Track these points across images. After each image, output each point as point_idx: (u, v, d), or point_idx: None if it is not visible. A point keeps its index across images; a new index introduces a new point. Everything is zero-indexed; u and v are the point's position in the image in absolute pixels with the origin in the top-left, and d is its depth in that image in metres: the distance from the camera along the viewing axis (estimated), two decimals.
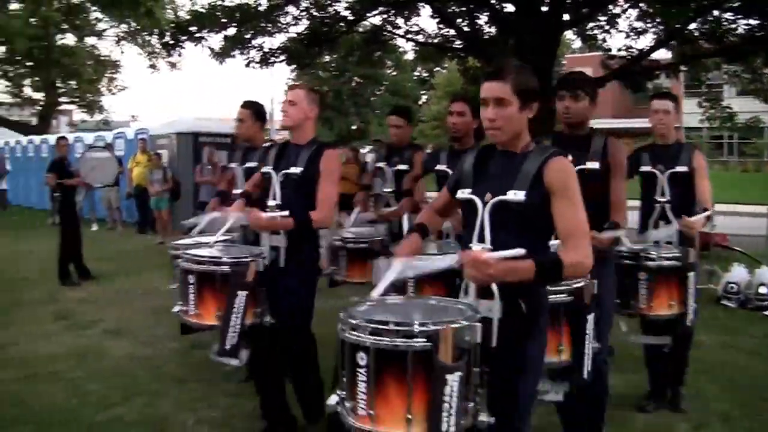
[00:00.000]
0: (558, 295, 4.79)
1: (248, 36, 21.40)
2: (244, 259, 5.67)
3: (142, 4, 19.58)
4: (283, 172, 6.05)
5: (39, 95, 46.50)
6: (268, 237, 5.81)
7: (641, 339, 7.04)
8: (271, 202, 6.03)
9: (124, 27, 44.11)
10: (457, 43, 21.62)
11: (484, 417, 3.66)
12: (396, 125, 8.21)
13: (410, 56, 38.20)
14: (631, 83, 21.59)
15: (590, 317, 4.89)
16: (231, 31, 21.20)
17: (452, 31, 21.11)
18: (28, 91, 46.92)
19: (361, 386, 3.45)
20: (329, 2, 20.82)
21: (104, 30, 45.41)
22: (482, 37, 20.57)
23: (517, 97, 3.90)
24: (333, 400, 3.66)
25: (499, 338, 3.86)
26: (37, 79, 45.35)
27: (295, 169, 6.00)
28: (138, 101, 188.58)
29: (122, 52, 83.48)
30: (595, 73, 25.00)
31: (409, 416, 3.37)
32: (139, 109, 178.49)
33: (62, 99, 47.94)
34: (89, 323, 10.63)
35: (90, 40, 46.41)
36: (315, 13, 20.99)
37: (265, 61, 22.21)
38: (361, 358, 3.44)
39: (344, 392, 3.55)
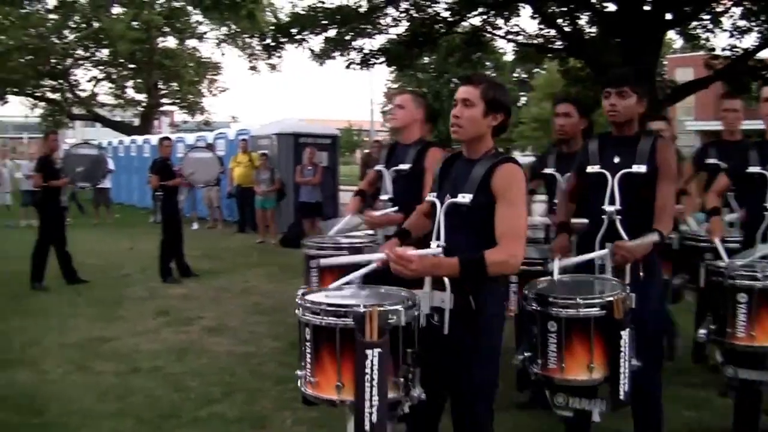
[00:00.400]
0: (589, 309, 4.52)
1: (348, 37, 21.46)
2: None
3: (244, 7, 19.69)
4: (393, 168, 6.46)
5: (141, 96, 47.36)
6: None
7: (741, 373, 5.71)
8: (383, 197, 6.54)
9: (224, 30, 44.58)
10: (558, 44, 21.43)
11: (416, 392, 4.04)
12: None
13: (510, 57, 38.02)
14: (736, 84, 20.74)
15: (625, 333, 4.51)
16: (331, 32, 21.28)
17: (553, 32, 20.94)
18: (130, 92, 47.85)
19: (306, 357, 4.03)
20: (429, 3, 20.77)
21: (205, 33, 46.08)
22: (584, 37, 20.33)
23: (483, 103, 4.30)
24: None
25: (450, 327, 4.20)
26: (139, 80, 46.21)
27: (404, 166, 6.36)
28: (238, 102, 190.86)
29: (223, 54, 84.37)
30: (698, 73, 24.64)
31: (339, 384, 3.92)
32: (239, 110, 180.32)
33: (164, 100, 48.70)
34: (189, 320, 10.70)
35: (191, 43, 47.07)
36: (415, 15, 20.98)
37: (366, 62, 22.28)
38: (307, 333, 4.02)
39: (302, 364, 4.08)
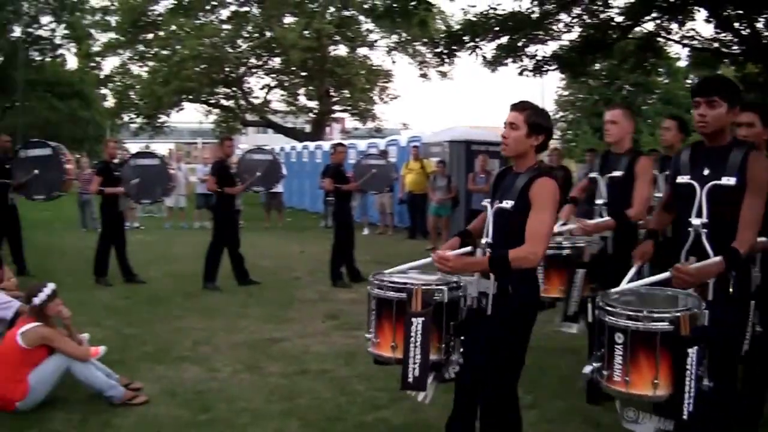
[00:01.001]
0: (655, 323, 4.44)
1: (521, 44, 21.32)
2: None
3: (416, 15, 19.74)
4: (608, 176, 7.25)
5: (313, 104, 47.90)
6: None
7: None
8: (598, 201, 7.34)
9: (395, 37, 44.83)
10: (735, 48, 20.83)
11: (454, 356, 5.23)
12: (666, 128, 8.44)
13: (683, 63, 37.24)
14: None
15: (693, 350, 4.36)
16: (503, 39, 21.17)
17: (729, 36, 20.36)
18: (302, 99, 48.47)
19: (372, 323, 5.39)
20: (602, 8, 20.48)
21: (376, 41, 46.33)
22: (762, 41, 19.71)
23: (527, 126, 5.20)
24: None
25: (493, 308, 5.17)
26: (311, 88, 46.73)
27: (617, 173, 7.16)
28: (409, 109, 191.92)
29: (393, 62, 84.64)
30: None
31: (393, 344, 5.16)
32: (410, 117, 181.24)
33: (335, 107, 49.17)
34: (358, 324, 10.64)
35: (362, 51, 47.45)
36: (587, 20, 20.71)
37: (538, 69, 22.13)
38: (372, 304, 5.39)
39: (369, 330, 5.44)
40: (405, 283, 5.19)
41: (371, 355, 5.42)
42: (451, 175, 20.31)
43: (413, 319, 4.94)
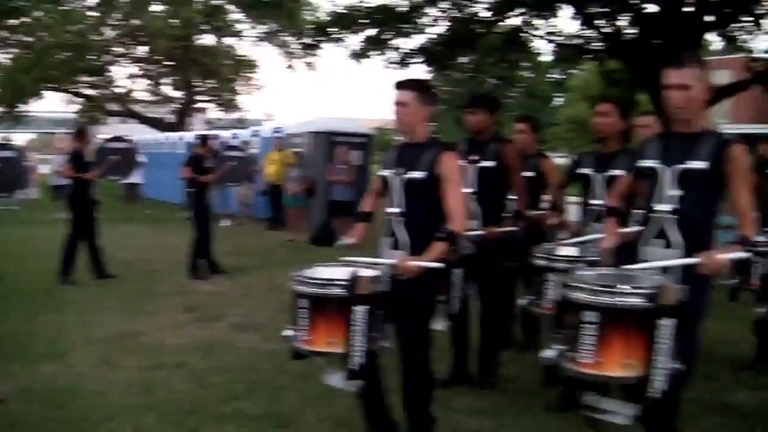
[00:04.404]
0: (629, 298, 4.37)
1: (387, 37, 21.36)
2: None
3: (284, 6, 19.63)
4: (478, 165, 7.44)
5: (177, 93, 47.49)
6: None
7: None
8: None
9: (263, 28, 44.62)
10: (597, 45, 21.20)
11: (385, 343, 5.48)
12: (521, 131, 8.59)
13: (547, 58, 37.88)
14: None
15: (666, 323, 4.29)
16: (370, 31, 21.19)
17: (592, 33, 20.71)
18: (166, 89, 48.01)
19: (301, 320, 5.29)
20: (469, 3, 20.63)
21: (243, 31, 46.05)
22: (623, 38, 20.11)
23: (416, 101, 5.66)
24: None
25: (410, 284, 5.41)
26: (176, 77, 46.28)
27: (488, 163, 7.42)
28: (274, 100, 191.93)
29: (260, 53, 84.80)
30: (735, 76, 24.42)
31: (330, 340, 5.21)
32: (275, 108, 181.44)
33: (199, 97, 48.82)
34: (216, 316, 10.67)
35: (229, 41, 47.09)
36: (454, 14, 20.84)
37: (404, 62, 22.17)
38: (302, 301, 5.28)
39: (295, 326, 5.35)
40: (338, 279, 5.25)
41: (301, 351, 5.34)
42: (305, 166, 20.38)
43: (357, 309, 5.14)
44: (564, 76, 64.50)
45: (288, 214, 20.44)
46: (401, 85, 5.72)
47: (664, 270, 4.79)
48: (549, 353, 4.62)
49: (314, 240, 18.41)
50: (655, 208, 4.95)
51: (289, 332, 5.38)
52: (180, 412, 6.85)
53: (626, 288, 4.39)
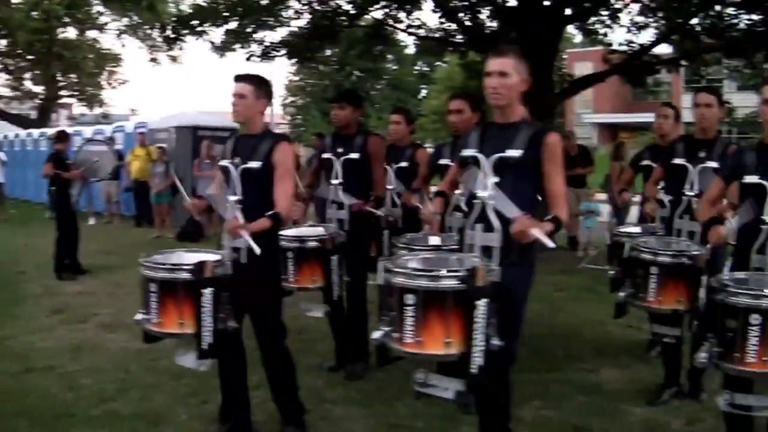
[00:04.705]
0: (445, 281, 4.58)
1: (250, 30, 21.31)
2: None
3: None
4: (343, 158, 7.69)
5: (39, 89, 46.53)
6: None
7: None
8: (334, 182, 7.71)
9: (125, 20, 44.01)
10: (459, 38, 21.47)
11: (231, 323, 5.72)
12: (396, 122, 8.59)
13: (411, 50, 38.16)
14: (632, 78, 21.57)
15: (481, 303, 4.53)
16: (233, 24, 21.12)
17: (454, 26, 20.98)
18: (28, 84, 46.97)
19: (152, 304, 5.61)
20: None
21: (106, 23, 45.35)
22: (484, 31, 20.43)
23: (254, 94, 6.00)
24: None
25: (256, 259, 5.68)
26: (37, 72, 45.36)
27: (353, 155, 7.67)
28: (138, 95, 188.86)
29: (123, 46, 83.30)
30: (596, 68, 25.02)
31: (181, 321, 5.54)
32: (139, 103, 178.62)
33: (62, 92, 47.94)
34: (85, 317, 10.59)
35: (91, 34, 46.38)
36: (317, 7, 20.89)
37: (266, 54, 22.11)
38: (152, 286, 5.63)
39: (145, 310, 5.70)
40: (185, 264, 5.61)
41: (152, 334, 5.69)
42: (169, 162, 20.30)
43: (204, 291, 5.45)
44: (428, 69, 65.08)
45: (154, 211, 20.30)
46: (239, 78, 6.02)
47: (487, 253, 5.04)
48: (377, 334, 4.79)
49: (181, 236, 18.34)
50: (477, 195, 5.13)
51: (139, 316, 5.73)
52: (51, 417, 6.80)
53: (442, 271, 4.62)
